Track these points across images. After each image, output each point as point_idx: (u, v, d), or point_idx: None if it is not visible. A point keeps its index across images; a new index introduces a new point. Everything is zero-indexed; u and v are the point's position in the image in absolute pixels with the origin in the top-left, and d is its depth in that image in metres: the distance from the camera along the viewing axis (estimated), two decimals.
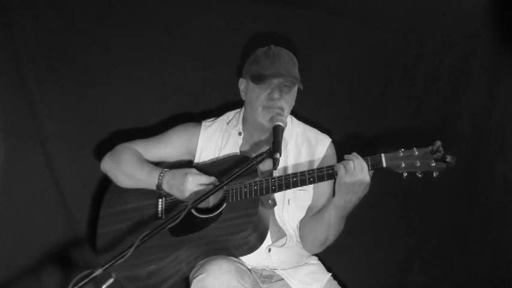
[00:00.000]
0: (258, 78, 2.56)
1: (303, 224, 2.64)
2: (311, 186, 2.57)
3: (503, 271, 2.90)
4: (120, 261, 2.00)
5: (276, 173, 2.57)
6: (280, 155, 2.30)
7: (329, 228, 2.51)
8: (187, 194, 2.50)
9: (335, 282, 2.69)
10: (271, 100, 2.55)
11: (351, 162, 2.33)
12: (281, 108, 2.56)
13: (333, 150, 2.75)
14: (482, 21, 2.84)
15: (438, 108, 2.95)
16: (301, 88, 2.61)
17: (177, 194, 2.54)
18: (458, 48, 2.90)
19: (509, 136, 2.86)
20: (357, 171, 2.32)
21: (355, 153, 2.38)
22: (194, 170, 2.55)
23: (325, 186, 2.60)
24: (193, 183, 2.50)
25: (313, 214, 2.60)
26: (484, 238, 2.92)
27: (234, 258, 2.53)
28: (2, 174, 2.76)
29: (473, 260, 2.94)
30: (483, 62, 2.88)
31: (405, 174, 2.33)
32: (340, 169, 2.34)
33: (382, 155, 2.35)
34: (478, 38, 2.86)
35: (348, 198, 2.38)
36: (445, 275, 2.97)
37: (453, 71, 2.92)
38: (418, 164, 2.29)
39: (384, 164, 2.33)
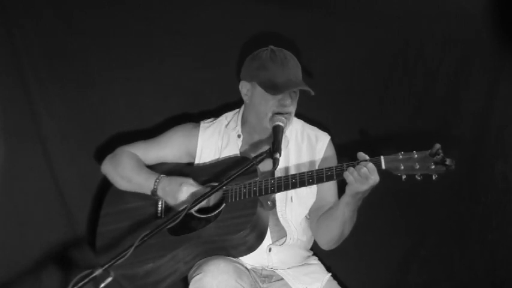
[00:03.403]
0: (272, 88, 2.54)
1: (315, 225, 2.64)
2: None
3: (503, 271, 2.90)
4: (119, 261, 2.00)
5: (277, 172, 2.58)
6: (280, 155, 2.30)
7: (344, 224, 2.50)
8: (179, 202, 2.51)
9: (335, 282, 2.69)
10: (283, 106, 2.55)
11: (361, 172, 2.29)
12: (289, 114, 2.58)
13: (332, 149, 2.75)
14: (482, 22, 2.84)
15: (438, 108, 2.95)
16: (312, 93, 2.58)
17: (171, 201, 2.55)
18: (458, 48, 2.90)
19: (509, 136, 2.86)
20: (368, 178, 2.30)
21: (360, 153, 2.35)
22: (190, 180, 2.54)
23: (329, 182, 2.59)
24: (186, 193, 2.50)
25: (324, 213, 2.60)
26: (484, 238, 2.92)
27: (232, 258, 2.53)
28: (2, 174, 2.77)
29: (473, 260, 2.94)
30: (483, 62, 2.87)
31: (404, 177, 2.32)
32: (350, 178, 2.31)
33: (382, 157, 2.34)
34: (478, 38, 2.86)
35: (359, 196, 2.39)
36: (445, 275, 2.97)
37: (453, 71, 2.92)
38: (417, 166, 2.28)
39: (383, 166, 2.32)
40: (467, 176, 2.86)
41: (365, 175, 2.29)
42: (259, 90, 2.59)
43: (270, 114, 2.57)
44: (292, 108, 2.59)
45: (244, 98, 2.69)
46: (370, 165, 2.31)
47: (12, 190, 2.81)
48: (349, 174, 2.32)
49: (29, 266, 2.77)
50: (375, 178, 2.31)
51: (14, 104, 2.82)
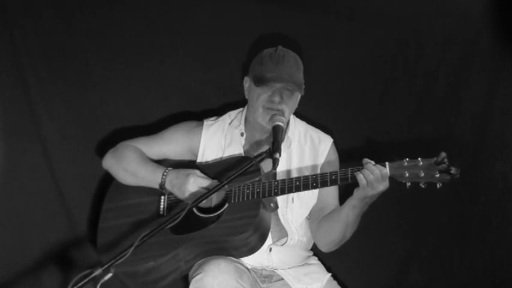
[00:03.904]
0: (260, 81, 2.57)
1: (315, 227, 2.64)
2: None
3: (503, 271, 2.90)
4: (120, 260, 2.00)
5: (280, 173, 2.59)
6: (280, 155, 2.30)
7: (346, 227, 2.50)
8: (187, 194, 2.50)
9: (335, 282, 2.69)
10: (271, 102, 2.56)
11: (372, 176, 2.28)
12: (281, 111, 2.56)
13: (335, 152, 2.76)
14: (482, 21, 2.84)
15: (438, 108, 2.95)
16: (302, 94, 2.61)
17: (178, 193, 2.54)
18: (458, 48, 2.90)
19: (509, 136, 2.86)
20: (379, 183, 2.29)
21: (366, 160, 2.34)
22: (197, 172, 2.55)
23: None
24: (194, 184, 2.50)
25: (327, 214, 2.60)
26: (484, 238, 2.92)
27: (233, 258, 2.53)
28: (2, 174, 2.77)
29: (473, 260, 2.94)
30: (483, 62, 2.87)
31: (408, 184, 2.31)
32: (363, 182, 2.30)
33: (387, 163, 2.33)
34: (478, 38, 2.86)
35: (366, 201, 2.39)
36: (445, 275, 2.97)
37: (453, 71, 2.92)
38: (422, 174, 2.27)
39: (388, 173, 2.32)
40: (467, 176, 2.85)
41: (378, 179, 2.28)
42: (252, 84, 2.61)
43: (260, 109, 2.58)
44: (284, 107, 2.57)
45: (245, 93, 2.71)
46: (385, 171, 2.30)
47: (12, 190, 2.81)
48: (363, 178, 2.30)
49: (29, 266, 2.77)
50: (385, 184, 2.31)
51: (14, 104, 2.81)
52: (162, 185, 2.59)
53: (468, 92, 2.91)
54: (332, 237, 2.57)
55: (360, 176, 2.32)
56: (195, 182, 2.50)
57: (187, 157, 2.76)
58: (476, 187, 2.92)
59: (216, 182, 2.52)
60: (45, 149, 2.87)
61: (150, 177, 2.62)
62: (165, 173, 2.59)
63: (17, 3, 2.79)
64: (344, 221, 2.48)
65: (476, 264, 2.94)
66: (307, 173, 2.48)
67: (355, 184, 2.35)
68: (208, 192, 2.22)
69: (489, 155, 2.90)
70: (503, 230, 2.88)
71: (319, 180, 2.41)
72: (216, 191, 2.23)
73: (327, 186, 2.41)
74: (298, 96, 2.65)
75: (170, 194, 2.61)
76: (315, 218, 2.65)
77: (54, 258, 2.81)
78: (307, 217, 2.69)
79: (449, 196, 2.89)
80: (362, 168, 2.33)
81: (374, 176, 2.29)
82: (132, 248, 1.99)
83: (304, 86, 2.65)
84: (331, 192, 2.65)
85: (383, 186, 2.30)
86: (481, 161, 2.90)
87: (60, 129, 2.91)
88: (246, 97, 2.71)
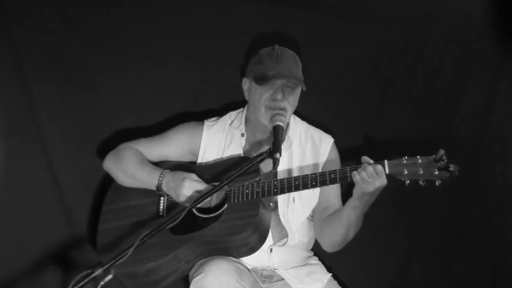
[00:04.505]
0: (261, 79, 2.57)
1: (319, 227, 2.63)
2: None
3: (503, 271, 2.90)
4: (120, 261, 2.01)
5: (280, 173, 2.59)
6: (280, 155, 2.30)
7: (349, 228, 2.50)
8: (181, 198, 2.50)
9: (335, 283, 2.69)
10: (274, 101, 2.56)
11: (366, 172, 2.29)
12: (284, 109, 2.56)
13: (336, 152, 2.75)
14: (483, 21, 2.84)
15: (438, 108, 2.95)
16: (304, 89, 2.61)
17: (174, 196, 2.55)
18: (458, 48, 2.90)
19: (509, 136, 2.86)
20: (374, 179, 2.29)
21: (365, 157, 2.35)
22: (193, 176, 2.54)
23: (332, 185, 2.59)
24: (189, 189, 2.49)
25: (329, 215, 2.59)
26: (484, 238, 2.92)
27: (233, 258, 2.53)
28: (2, 174, 2.77)
29: (473, 260, 2.94)
30: (483, 62, 2.87)
31: (407, 182, 2.32)
32: (356, 177, 2.31)
33: (386, 161, 2.33)
34: (478, 38, 2.86)
35: (366, 199, 2.38)
36: (445, 275, 2.97)
37: (453, 71, 2.92)
38: (421, 172, 2.28)
39: (387, 171, 2.31)
40: (468, 176, 2.86)
41: (371, 174, 2.29)
42: (253, 84, 2.61)
43: (263, 109, 2.58)
44: (287, 104, 2.58)
45: (245, 94, 2.71)
46: (379, 167, 2.30)
47: (12, 190, 2.81)
48: (356, 174, 2.31)
49: (29, 266, 2.77)
50: (382, 180, 2.30)
51: (14, 104, 2.81)
52: (158, 187, 2.59)
53: (468, 92, 2.91)
54: (335, 238, 2.57)
55: (353, 173, 2.32)
56: (190, 187, 2.49)
57: (187, 158, 2.76)
58: (476, 187, 2.92)
59: (210, 186, 2.51)
60: (45, 149, 2.87)
61: (148, 180, 2.62)
62: (162, 175, 2.59)
63: (17, 3, 2.78)
64: (346, 222, 2.48)
65: (476, 264, 2.94)
66: (308, 173, 2.48)
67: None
68: (208, 193, 2.22)
69: (489, 155, 2.90)
70: (503, 230, 2.88)
71: (318, 179, 2.41)
72: (216, 191, 2.23)
73: (326, 185, 2.41)
74: (299, 92, 2.65)
75: (168, 195, 2.61)
76: (318, 218, 2.65)
77: (54, 258, 2.81)
78: (309, 217, 2.69)
79: (449, 196, 2.90)
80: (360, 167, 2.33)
81: (367, 172, 2.29)
82: (133, 248, 2.00)
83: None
84: (333, 191, 2.65)
85: (379, 182, 2.30)
86: (481, 161, 2.91)
87: (60, 129, 2.91)
88: (246, 98, 2.71)
